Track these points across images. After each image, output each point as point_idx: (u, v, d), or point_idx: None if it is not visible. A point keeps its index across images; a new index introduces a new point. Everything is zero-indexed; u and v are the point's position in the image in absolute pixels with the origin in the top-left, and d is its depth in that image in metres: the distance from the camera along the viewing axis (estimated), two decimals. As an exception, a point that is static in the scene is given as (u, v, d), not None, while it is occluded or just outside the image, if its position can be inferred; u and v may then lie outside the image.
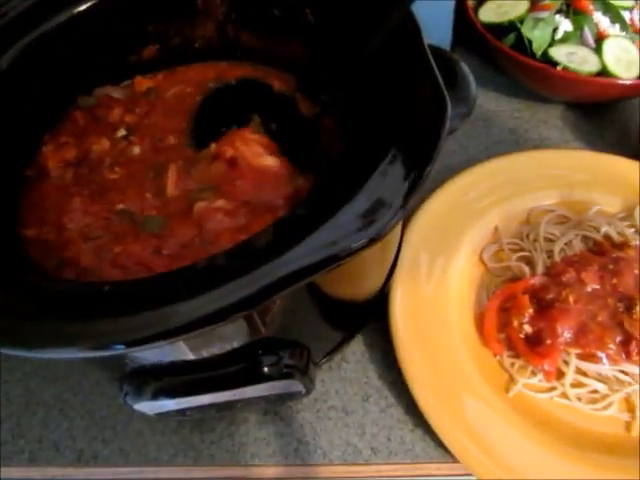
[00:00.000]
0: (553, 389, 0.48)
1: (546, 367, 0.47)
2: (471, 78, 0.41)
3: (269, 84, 0.53)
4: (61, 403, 0.55)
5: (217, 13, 0.54)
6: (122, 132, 0.47)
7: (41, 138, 0.48)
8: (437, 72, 0.35)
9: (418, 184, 0.29)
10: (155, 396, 0.38)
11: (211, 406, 0.42)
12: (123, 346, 0.28)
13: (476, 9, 0.74)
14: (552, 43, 0.67)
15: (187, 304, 0.27)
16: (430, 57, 0.36)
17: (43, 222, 0.41)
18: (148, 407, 0.40)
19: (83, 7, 0.49)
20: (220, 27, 0.55)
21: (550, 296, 0.49)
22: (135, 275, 0.38)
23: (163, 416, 0.44)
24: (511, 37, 0.68)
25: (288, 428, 0.51)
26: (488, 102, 0.77)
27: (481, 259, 0.58)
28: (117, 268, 0.38)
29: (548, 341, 0.47)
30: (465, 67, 0.43)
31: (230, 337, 0.37)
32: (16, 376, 0.56)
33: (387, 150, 0.31)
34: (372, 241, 0.28)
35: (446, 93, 0.34)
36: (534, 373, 0.49)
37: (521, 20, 0.68)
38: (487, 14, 0.72)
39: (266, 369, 0.38)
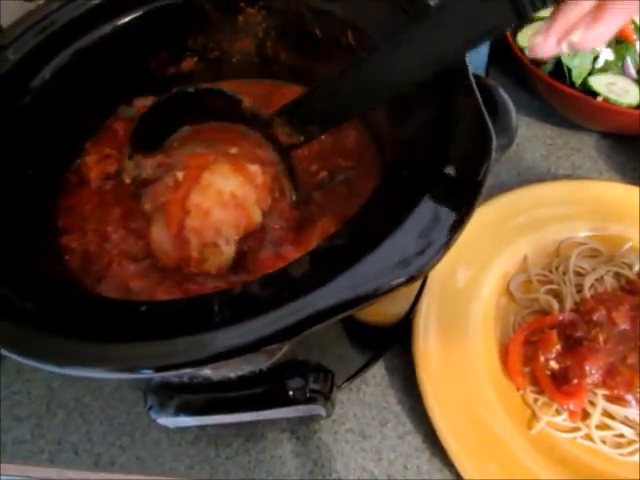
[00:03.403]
0: (577, 429, 0.47)
1: (572, 407, 0.46)
2: (511, 107, 0.41)
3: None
4: (82, 406, 0.55)
5: (257, 30, 0.54)
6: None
7: (83, 144, 0.48)
8: (481, 103, 0.35)
9: (464, 221, 0.29)
10: (178, 412, 0.39)
11: (232, 424, 0.42)
12: (151, 371, 0.28)
13: (514, 33, 0.73)
14: (592, 72, 0.66)
15: (221, 333, 0.28)
16: (475, 87, 0.36)
17: (83, 231, 0.41)
18: (171, 421, 0.41)
19: (126, 19, 0.50)
20: (259, 44, 0.56)
21: (579, 334, 0.48)
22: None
23: (183, 430, 0.44)
24: (549, 64, 0.67)
25: (304, 448, 0.51)
26: (520, 127, 0.76)
27: (508, 288, 0.57)
28: (168, 294, 0.38)
29: (575, 380, 0.46)
30: (505, 95, 0.42)
31: (256, 360, 0.37)
32: (39, 375, 0.57)
33: (430, 183, 0.31)
34: (413, 279, 0.28)
35: (491, 126, 0.34)
36: (558, 412, 0.48)
37: (561, 48, 0.67)
38: (525, 39, 0.71)
39: (291, 393, 0.38)
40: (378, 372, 0.55)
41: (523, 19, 0.29)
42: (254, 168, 0.42)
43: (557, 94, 0.66)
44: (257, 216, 0.41)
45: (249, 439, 0.52)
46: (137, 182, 0.43)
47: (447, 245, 0.28)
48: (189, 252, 0.39)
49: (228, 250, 0.40)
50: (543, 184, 0.65)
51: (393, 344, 0.53)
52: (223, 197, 0.39)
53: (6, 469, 0.54)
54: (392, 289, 0.28)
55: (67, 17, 0.48)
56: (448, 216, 0.30)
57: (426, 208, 0.30)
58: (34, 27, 0.47)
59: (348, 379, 0.49)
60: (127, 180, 0.44)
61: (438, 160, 0.32)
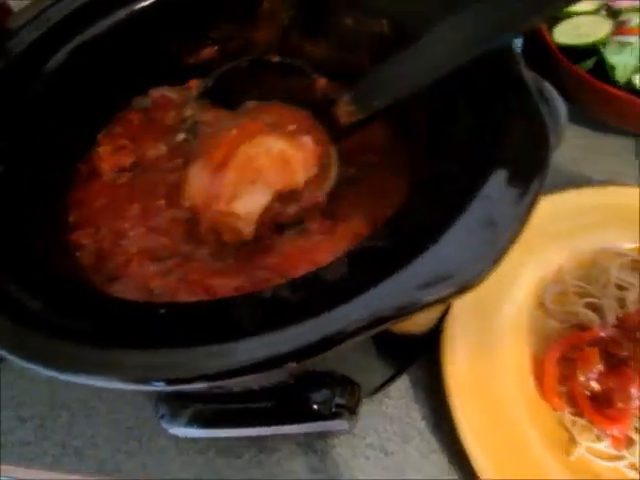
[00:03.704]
0: (621, 458, 0.43)
1: (615, 433, 0.43)
2: (561, 102, 0.38)
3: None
4: (87, 409, 0.53)
5: (282, 18, 0.51)
6: (181, 136, 0.45)
7: (96, 134, 0.46)
8: (539, 103, 0.32)
9: (522, 226, 0.26)
10: (191, 423, 0.36)
11: (247, 437, 0.39)
12: (163, 384, 0.25)
13: (550, 28, 0.69)
14: (638, 69, 0.62)
15: (247, 343, 0.24)
16: (530, 83, 0.33)
17: (96, 227, 0.39)
18: (182, 432, 0.38)
19: (144, 4, 0.47)
20: (283, 33, 0.52)
21: (624, 353, 0.45)
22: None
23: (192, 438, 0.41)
24: (589, 62, 0.63)
25: (322, 464, 0.48)
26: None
27: (542, 300, 0.54)
28: (192, 294, 0.35)
29: (619, 404, 0.43)
30: (553, 90, 0.39)
31: (282, 371, 0.34)
32: (43, 375, 0.55)
33: (482, 184, 0.28)
34: (464, 290, 0.25)
35: (548, 122, 0.31)
36: (599, 437, 0.44)
37: (603, 43, 0.63)
38: (563, 35, 0.68)
39: (315, 407, 0.35)
40: (401, 384, 0.51)
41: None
42: (306, 139, 0.41)
43: (597, 94, 0.62)
44: (300, 177, 0.39)
45: (262, 450, 0.49)
46: (192, 121, 0.43)
47: (503, 253, 0.25)
48: (223, 187, 0.38)
49: (262, 194, 0.38)
50: (576, 190, 0.61)
51: (419, 356, 0.50)
52: (271, 151, 0.39)
53: (7, 471, 0.52)
54: (440, 301, 0.24)
55: (82, 1, 0.46)
56: (504, 220, 0.26)
57: (478, 212, 0.27)
58: (47, 10, 0.45)
59: (372, 393, 0.45)
60: (187, 114, 0.44)
61: (489, 159, 0.29)
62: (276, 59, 0.47)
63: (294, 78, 0.46)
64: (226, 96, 0.46)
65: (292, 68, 0.46)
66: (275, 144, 0.39)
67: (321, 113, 0.44)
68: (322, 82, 0.45)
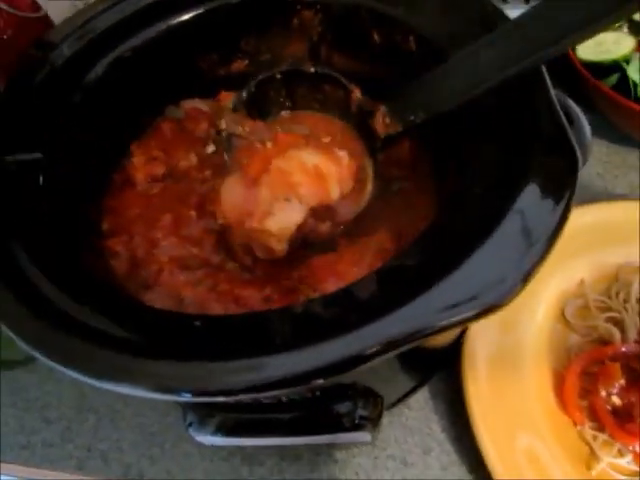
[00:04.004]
0: (643, 474, 0.44)
1: (637, 448, 0.43)
2: (585, 121, 0.38)
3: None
4: (112, 413, 0.54)
5: (312, 33, 0.52)
6: (212, 147, 0.46)
7: (130, 143, 0.47)
8: (564, 117, 0.32)
9: (551, 245, 0.26)
10: (218, 432, 0.37)
11: (268, 446, 0.40)
12: (190, 395, 0.25)
13: (573, 44, 0.70)
14: (659, 87, 0.62)
15: (278, 358, 0.25)
16: (556, 101, 0.33)
17: (130, 235, 0.40)
18: (209, 439, 0.39)
19: (180, 19, 0.49)
20: (313, 47, 0.53)
21: (645, 368, 0.45)
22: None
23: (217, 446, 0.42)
24: (613, 78, 0.64)
25: (342, 474, 0.48)
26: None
27: (563, 314, 0.54)
28: (221, 304, 0.36)
29: (641, 419, 0.43)
30: (577, 108, 0.39)
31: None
32: (70, 378, 0.56)
33: (511, 203, 0.28)
34: (492, 309, 0.25)
35: (575, 142, 0.31)
36: (621, 452, 0.44)
37: (626, 60, 0.63)
38: (587, 52, 0.68)
39: (339, 418, 0.36)
40: (421, 396, 0.52)
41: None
42: (342, 153, 0.41)
43: (620, 109, 0.62)
44: (335, 192, 0.40)
45: (284, 458, 0.49)
46: (227, 133, 0.44)
47: (532, 272, 0.26)
48: (257, 205, 0.38)
49: (297, 212, 0.38)
50: (599, 204, 0.61)
51: (440, 368, 0.51)
52: (305, 166, 0.39)
53: (31, 473, 0.53)
54: (469, 320, 0.25)
55: (119, 15, 0.47)
56: (532, 240, 0.27)
57: (507, 230, 0.27)
58: (88, 24, 0.46)
59: (393, 404, 0.46)
60: (222, 126, 0.44)
61: (518, 179, 0.30)
62: (312, 70, 0.47)
63: (329, 89, 0.46)
64: (261, 107, 0.47)
65: (328, 78, 0.46)
66: (310, 158, 0.40)
67: (357, 125, 0.44)
68: (357, 93, 0.46)
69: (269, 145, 0.41)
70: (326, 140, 0.44)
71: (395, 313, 0.25)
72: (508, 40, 0.33)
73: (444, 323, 0.25)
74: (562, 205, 0.28)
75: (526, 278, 0.25)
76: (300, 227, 0.38)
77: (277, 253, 0.38)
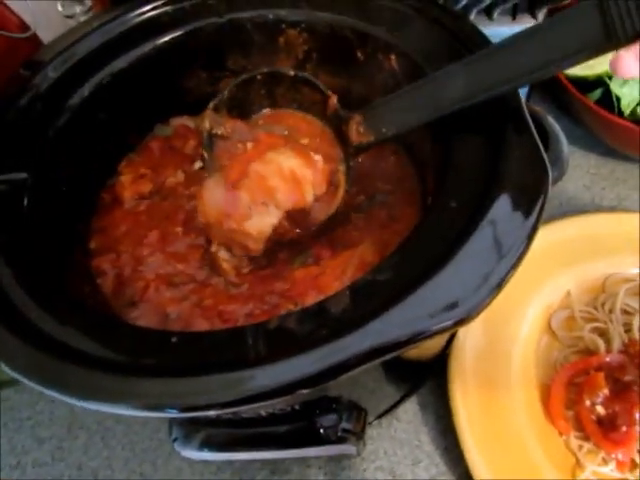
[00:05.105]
0: (626, 481, 0.44)
1: (620, 456, 0.43)
2: (562, 137, 0.39)
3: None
4: (103, 430, 0.54)
5: (298, 51, 0.54)
6: (199, 164, 0.47)
7: (118, 162, 0.48)
8: (536, 135, 0.33)
9: (520, 258, 0.27)
10: (203, 447, 0.37)
11: (257, 460, 0.40)
12: (176, 411, 0.26)
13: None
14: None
15: (256, 371, 0.26)
16: (528, 118, 0.34)
17: (117, 253, 0.41)
18: (195, 455, 0.39)
19: (166, 39, 0.50)
20: (299, 65, 0.55)
21: (628, 377, 0.45)
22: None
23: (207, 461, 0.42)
24: (597, 92, 0.65)
25: (332, 486, 0.49)
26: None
27: (550, 325, 0.55)
28: (206, 319, 0.37)
29: (624, 428, 0.43)
30: (555, 124, 0.40)
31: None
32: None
33: (483, 216, 0.29)
34: (464, 321, 0.26)
35: (546, 158, 0.32)
36: (605, 460, 0.44)
37: (609, 75, 0.64)
38: (570, 66, 0.69)
39: (322, 431, 0.36)
40: (410, 408, 0.52)
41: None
42: (317, 157, 0.42)
43: (604, 123, 0.63)
44: (309, 195, 0.41)
45: (274, 472, 0.49)
46: (208, 134, 0.44)
47: (501, 285, 0.26)
48: (236, 208, 0.39)
49: (273, 215, 0.40)
50: (586, 215, 0.62)
51: (427, 380, 0.51)
52: (282, 171, 0.40)
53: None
54: (440, 332, 0.26)
55: (107, 36, 0.48)
56: (503, 253, 0.28)
57: (479, 243, 0.28)
58: (75, 45, 0.47)
59: (380, 416, 0.46)
60: (206, 126, 0.45)
61: (490, 193, 0.31)
62: (291, 72, 0.48)
63: (308, 92, 0.47)
64: (242, 107, 0.48)
65: (306, 82, 0.47)
66: (287, 162, 0.41)
67: (332, 128, 0.45)
68: (334, 99, 0.46)
69: (249, 146, 0.42)
70: (304, 141, 0.45)
71: (366, 327, 0.26)
72: (480, 67, 0.34)
73: (415, 335, 0.25)
74: (532, 218, 0.29)
75: (495, 290, 0.26)
76: (276, 229, 0.40)
77: (253, 252, 0.39)
